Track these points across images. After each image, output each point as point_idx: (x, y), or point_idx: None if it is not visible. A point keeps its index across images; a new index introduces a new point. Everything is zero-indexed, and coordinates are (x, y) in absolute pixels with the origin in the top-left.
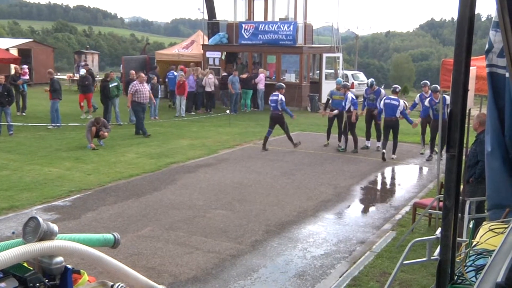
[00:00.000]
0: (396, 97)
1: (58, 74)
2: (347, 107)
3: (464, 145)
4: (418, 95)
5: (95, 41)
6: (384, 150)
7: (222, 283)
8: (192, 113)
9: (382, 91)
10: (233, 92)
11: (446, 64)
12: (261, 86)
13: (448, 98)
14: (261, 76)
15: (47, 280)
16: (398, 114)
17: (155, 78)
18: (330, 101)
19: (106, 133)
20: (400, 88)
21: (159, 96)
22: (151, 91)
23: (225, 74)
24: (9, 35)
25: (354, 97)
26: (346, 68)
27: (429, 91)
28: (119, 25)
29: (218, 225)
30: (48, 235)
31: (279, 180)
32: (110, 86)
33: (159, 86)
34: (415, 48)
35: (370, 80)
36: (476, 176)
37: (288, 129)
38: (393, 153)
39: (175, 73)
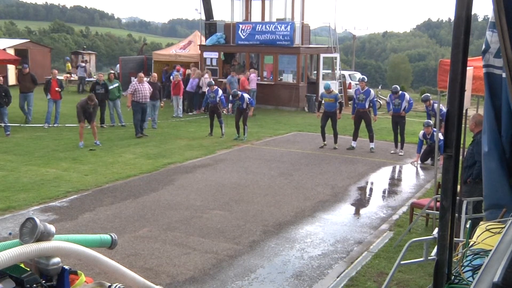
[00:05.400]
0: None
1: None
2: (244, 106)
3: (461, 146)
4: (389, 95)
5: (92, 41)
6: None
7: (220, 284)
8: (189, 113)
9: (372, 91)
10: (231, 92)
11: (444, 64)
12: (253, 86)
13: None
14: (252, 76)
15: (44, 281)
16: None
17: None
18: (322, 103)
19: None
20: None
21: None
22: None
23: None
24: (5, 35)
25: (250, 97)
26: (343, 69)
27: (400, 93)
28: (116, 25)
29: (215, 225)
30: (45, 236)
31: (276, 180)
32: (110, 87)
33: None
34: (412, 49)
35: (362, 76)
36: (473, 176)
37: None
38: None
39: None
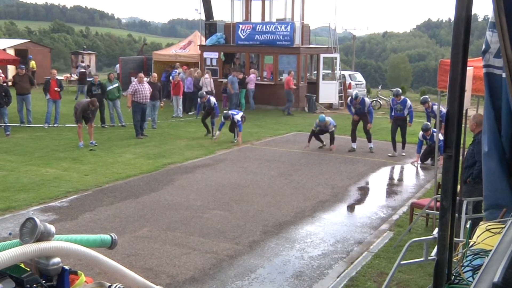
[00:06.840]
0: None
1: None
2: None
3: (461, 146)
4: (391, 99)
5: (92, 41)
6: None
7: (220, 284)
8: (190, 113)
9: (366, 99)
10: (232, 92)
11: (444, 64)
12: (251, 86)
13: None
14: (251, 76)
15: (44, 281)
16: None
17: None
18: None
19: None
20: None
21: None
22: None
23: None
24: (5, 35)
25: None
26: (343, 69)
27: (401, 98)
28: (116, 25)
29: (215, 225)
30: (45, 236)
31: (276, 180)
32: (110, 88)
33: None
34: (412, 49)
35: (355, 92)
36: (473, 177)
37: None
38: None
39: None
